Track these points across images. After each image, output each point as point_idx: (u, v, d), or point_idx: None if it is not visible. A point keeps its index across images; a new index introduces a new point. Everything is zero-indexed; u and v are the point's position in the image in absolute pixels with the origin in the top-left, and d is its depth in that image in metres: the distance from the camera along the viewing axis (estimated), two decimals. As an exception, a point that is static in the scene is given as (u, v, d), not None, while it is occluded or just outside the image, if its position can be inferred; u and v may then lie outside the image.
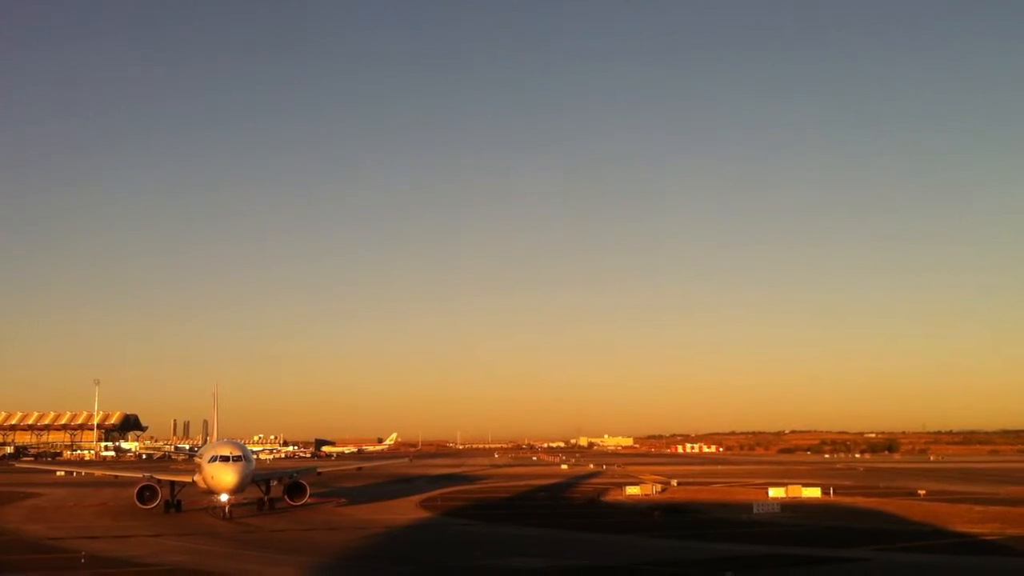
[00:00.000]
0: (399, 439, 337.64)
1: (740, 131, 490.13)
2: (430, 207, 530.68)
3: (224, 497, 58.18)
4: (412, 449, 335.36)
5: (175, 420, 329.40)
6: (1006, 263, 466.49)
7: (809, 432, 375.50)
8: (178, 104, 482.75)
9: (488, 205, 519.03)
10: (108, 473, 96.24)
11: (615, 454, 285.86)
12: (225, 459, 58.13)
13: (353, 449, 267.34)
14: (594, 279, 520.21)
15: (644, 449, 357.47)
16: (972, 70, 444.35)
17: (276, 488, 67.92)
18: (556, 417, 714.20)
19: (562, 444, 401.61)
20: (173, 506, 64.33)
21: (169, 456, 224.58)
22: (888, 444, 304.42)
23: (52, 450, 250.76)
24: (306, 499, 65.43)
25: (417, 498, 78.33)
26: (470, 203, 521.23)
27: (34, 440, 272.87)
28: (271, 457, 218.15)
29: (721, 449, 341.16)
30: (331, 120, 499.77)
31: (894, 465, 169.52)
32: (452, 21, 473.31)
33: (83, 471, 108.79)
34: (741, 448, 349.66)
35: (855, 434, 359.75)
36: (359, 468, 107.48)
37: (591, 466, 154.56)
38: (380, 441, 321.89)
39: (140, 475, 71.10)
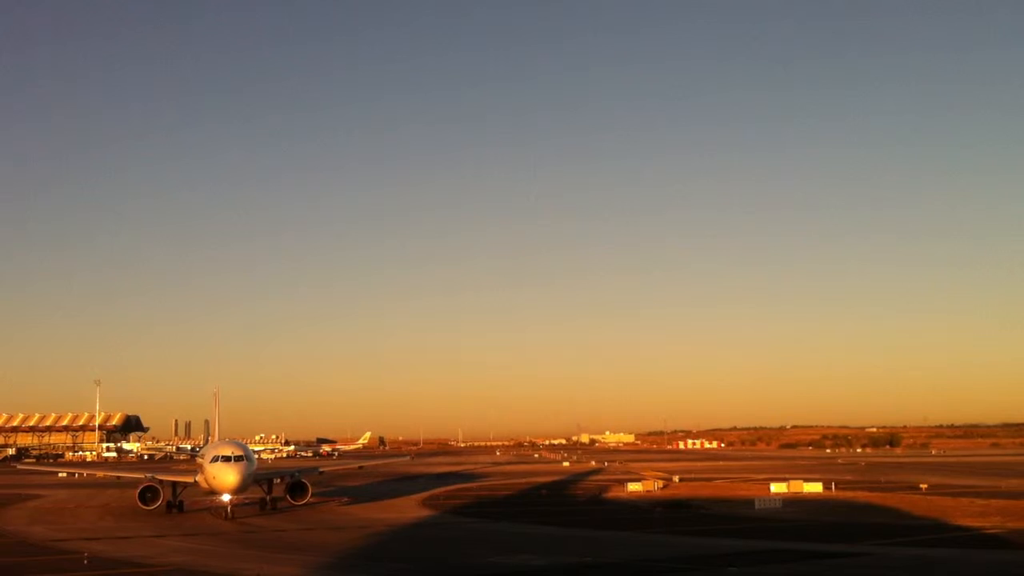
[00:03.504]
0: (373, 437, 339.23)
1: (741, 127, 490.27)
2: (430, 205, 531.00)
3: (226, 497, 58.23)
4: (414, 448, 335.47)
5: (176, 420, 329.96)
6: (1007, 257, 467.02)
7: (810, 427, 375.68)
8: (178, 103, 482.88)
9: (489, 203, 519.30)
10: (110, 474, 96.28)
11: (617, 451, 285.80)
12: (227, 459, 58.12)
13: (328, 449, 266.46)
14: (595, 276, 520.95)
15: (645, 446, 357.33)
16: (975, 64, 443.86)
17: (278, 488, 67.87)
18: (557, 414, 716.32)
19: (563, 441, 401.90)
20: (175, 506, 64.33)
21: (171, 457, 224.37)
22: (889, 438, 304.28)
23: (54, 451, 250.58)
24: (308, 498, 65.48)
25: (419, 496, 78.37)
26: (470, 200, 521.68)
27: (36, 442, 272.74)
28: (273, 457, 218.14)
29: (722, 445, 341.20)
30: (331, 118, 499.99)
31: (895, 459, 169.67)
32: (453, 18, 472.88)
33: (85, 472, 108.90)
34: (742, 444, 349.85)
35: (856, 429, 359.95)
36: (360, 467, 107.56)
37: (593, 463, 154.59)
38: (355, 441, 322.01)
39: (142, 476, 71.06)
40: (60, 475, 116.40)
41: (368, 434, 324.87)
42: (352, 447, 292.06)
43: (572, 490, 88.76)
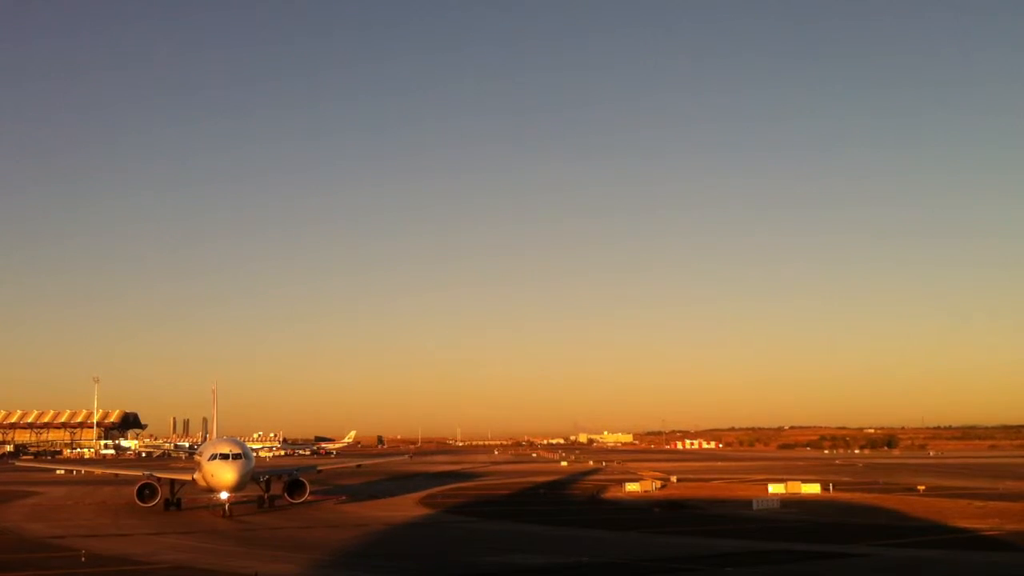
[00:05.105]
0: (366, 436, 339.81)
1: (740, 126, 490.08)
2: (428, 203, 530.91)
3: (224, 495, 58.21)
4: (412, 446, 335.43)
5: (174, 418, 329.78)
6: (1005, 258, 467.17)
7: (808, 428, 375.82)
8: (176, 102, 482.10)
9: (487, 201, 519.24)
10: (108, 471, 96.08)
11: (615, 451, 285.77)
12: (225, 457, 58.09)
13: (313, 449, 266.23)
14: (593, 275, 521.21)
15: (644, 446, 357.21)
16: (975, 63, 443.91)
17: (276, 486, 67.89)
18: (556, 414, 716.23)
19: (562, 441, 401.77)
20: (173, 504, 64.28)
21: (169, 454, 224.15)
22: (887, 439, 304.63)
23: (52, 448, 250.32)
24: (306, 497, 65.47)
25: (417, 495, 78.36)
26: (468, 199, 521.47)
27: (34, 438, 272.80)
28: (271, 455, 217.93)
29: (720, 445, 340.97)
30: (329, 117, 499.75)
31: (893, 461, 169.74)
32: (450, 16, 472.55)
33: (83, 469, 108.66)
34: (740, 444, 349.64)
35: (854, 430, 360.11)
36: (358, 466, 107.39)
37: (591, 463, 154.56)
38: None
39: (140, 473, 71.07)
40: (58, 472, 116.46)
41: (353, 432, 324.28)
42: (338, 445, 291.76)
43: (570, 490, 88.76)
